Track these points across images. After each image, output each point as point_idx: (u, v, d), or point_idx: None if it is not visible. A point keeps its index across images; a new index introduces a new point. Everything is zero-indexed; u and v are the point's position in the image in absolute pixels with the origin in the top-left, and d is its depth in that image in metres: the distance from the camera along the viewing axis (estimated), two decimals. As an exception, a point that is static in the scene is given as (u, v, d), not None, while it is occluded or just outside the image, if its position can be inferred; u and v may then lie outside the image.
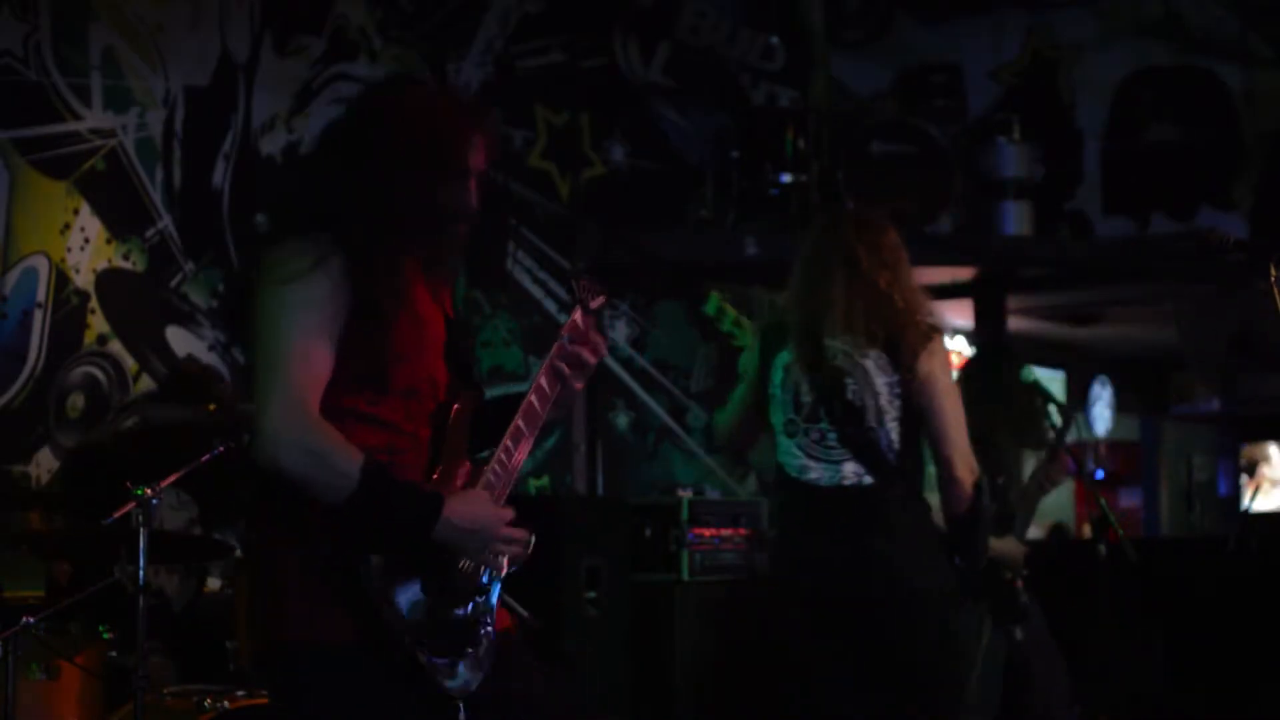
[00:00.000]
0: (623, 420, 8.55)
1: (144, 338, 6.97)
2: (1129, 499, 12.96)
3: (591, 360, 3.33)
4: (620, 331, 8.50)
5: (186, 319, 7.13)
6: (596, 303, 3.40)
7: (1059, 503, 11.77)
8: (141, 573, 4.59)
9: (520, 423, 3.26)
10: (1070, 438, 5.89)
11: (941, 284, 8.36)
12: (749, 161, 8.60)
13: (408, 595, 3.08)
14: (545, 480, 8.18)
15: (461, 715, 3.11)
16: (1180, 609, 6.89)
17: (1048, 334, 10.57)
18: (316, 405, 3.04)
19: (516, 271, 8.25)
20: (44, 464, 6.58)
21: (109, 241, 6.89)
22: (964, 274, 8.79)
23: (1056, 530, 9.98)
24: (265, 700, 4.77)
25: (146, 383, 6.88)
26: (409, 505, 3.07)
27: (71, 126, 6.80)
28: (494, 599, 3.25)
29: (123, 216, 6.94)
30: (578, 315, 3.36)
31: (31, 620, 4.62)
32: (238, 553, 5.62)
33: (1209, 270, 8.28)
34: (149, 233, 7.03)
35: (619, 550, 6.80)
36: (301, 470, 3.02)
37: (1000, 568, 5.41)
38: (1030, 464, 5.92)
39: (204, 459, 5.08)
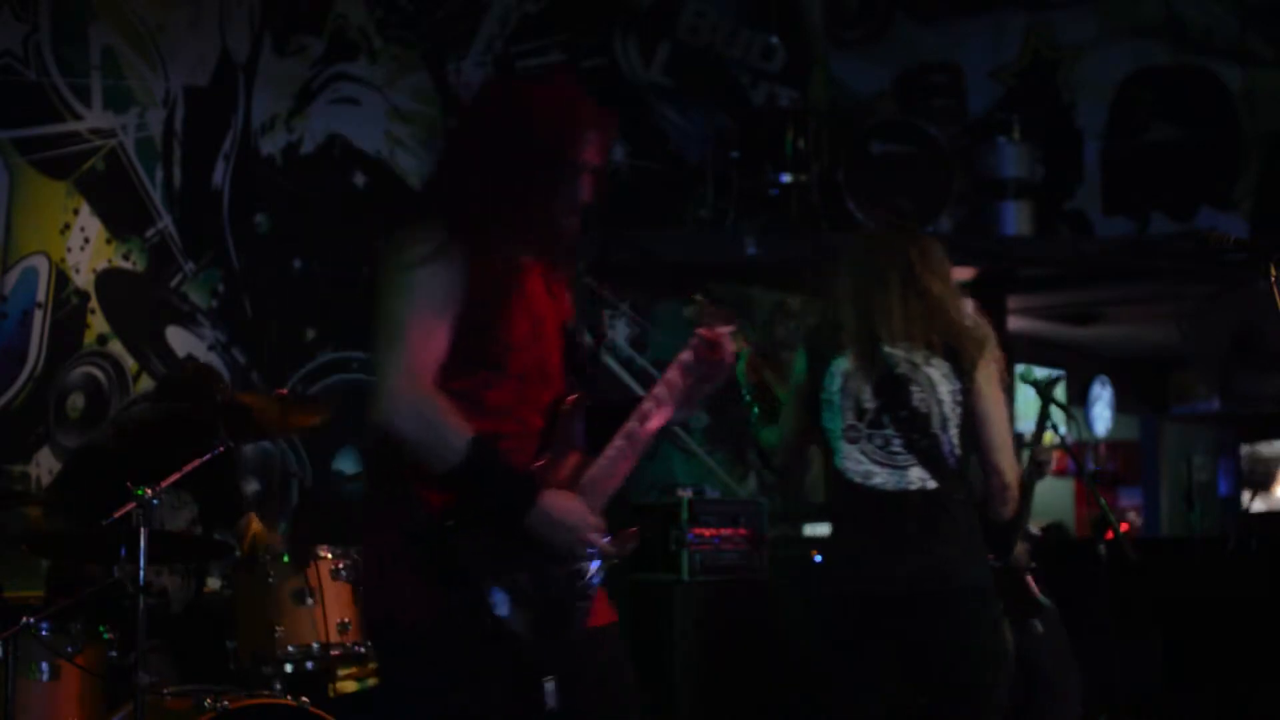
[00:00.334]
0: (623, 420, 8.54)
1: (144, 338, 6.97)
2: (1129, 499, 12.97)
3: (718, 356, 3.44)
4: (620, 331, 8.50)
5: (186, 319, 7.13)
6: (724, 329, 3.48)
7: (1059, 502, 11.78)
8: (142, 573, 4.60)
9: (634, 424, 3.36)
10: (1070, 438, 5.89)
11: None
12: (749, 161, 8.60)
13: (503, 571, 3.16)
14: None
15: (550, 688, 3.19)
16: (1180, 609, 6.89)
17: (1048, 334, 10.58)
18: (432, 379, 3.16)
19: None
20: (44, 464, 6.58)
21: (109, 241, 6.90)
22: (964, 274, 8.78)
23: (1055, 529, 9.98)
24: (265, 700, 4.79)
25: (146, 383, 6.89)
26: (507, 486, 3.17)
27: (71, 126, 6.81)
28: (592, 585, 3.31)
29: (123, 216, 6.95)
30: (703, 332, 3.47)
31: (31, 620, 4.62)
32: (238, 552, 5.63)
33: (1209, 270, 8.28)
34: (149, 233, 7.04)
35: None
36: (414, 433, 3.14)
37: (1012, 564, 5.43)
38: (1025, 461, 5.92)
39: (204, 459, 5.08)
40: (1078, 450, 6.06)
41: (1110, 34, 9.29)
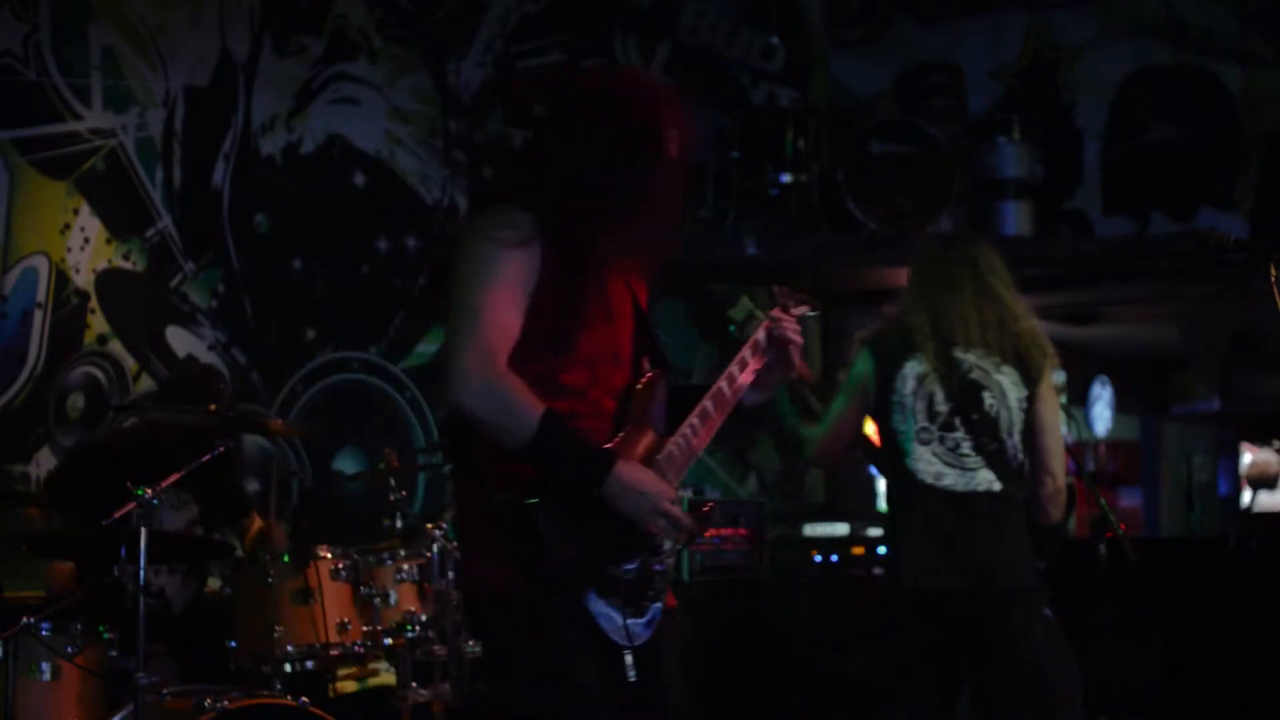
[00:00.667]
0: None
1: (144, 338, 6.97)
2: (1129, 499, 12.95)
3: (792, 338, 3.51)
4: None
5: (186, 319, 7.13)
6: (799, 310, 3.59)
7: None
8: (142, 573, 4.60)
9: (709, 404, 3.42)
10: (1070, 438, 5.89)
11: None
12: (749, 161, 8.60)
13: (580, 545, 3.19)
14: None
15: (629, 661, 3.24)
16: (1180, 609, 6.89)
17: (1048, 334, 10.56)
18: (504, 359, 3.18)
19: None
20: (44, 464, 6.58)
21: (109, 241, 6.90)
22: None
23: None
24: (265, 700, 4.79)
25: (146, 383, 6.89)
26: (581, 457, 3.19)
27: (71, 126, 6.81)
28: (665, 563, 3.34)
29: (123, 216, 6.94)
30: (777, 313, 3.56)
31: (31, 620, 4.62)
32: (238, 552, 5.63)
33: (1209, 270, 8.28)
34: (149, 233, 7.04)
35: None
36: (485, 412, 3.15)
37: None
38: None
39: (204, 459, 5.08)
40: (1078, 450, 6.06)
41: (1110, 34, 9.29)
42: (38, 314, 6.65)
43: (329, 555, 5.27)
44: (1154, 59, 9.20)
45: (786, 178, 8.55)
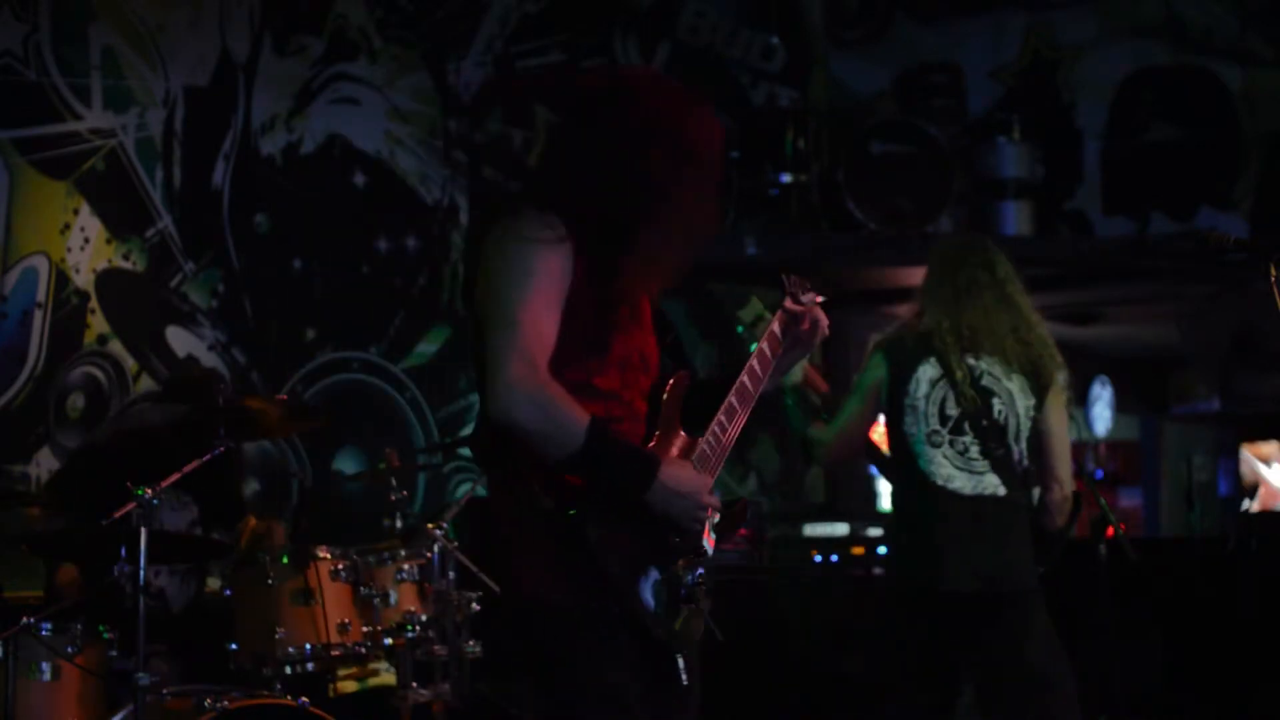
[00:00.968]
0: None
1: (144, 338, 6.97)
2: (1129, 499, 12.95)
3: (805, 326, 3.55)
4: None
5: (186, 319, 7.13)
6: (807, 297, 3.60)
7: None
8: (142, 573, 4.60)
9: (734, 400, 3.43)
10: (1071, 439, 5.89)
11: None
12: (749, 161, 8.60)
13: (627, 550, 3.19)
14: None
15: (681, 664, 3.25)
16: (1180, 609, 6.88)
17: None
18: (545, 368, 3.15)
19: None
20: (44, 464, 6.58)
21: (109, 241, 6.90)
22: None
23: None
24: (265, 701, 4.78)
25: (146, 383, 6.89)
26: (628, 464, 3.18)
27: (71, 126, 6.81)
28: (706, 564, 3.34)
29: (123, 216, 6.95)
30: (788, 303, 3.57)
31: (31, 620, 4.62)
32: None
33: (1209, 270, 8.28)
34: (149, 233, 7.04)
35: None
36: (534, 423, 3.12)
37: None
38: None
39: (204, 459, 5.08)
40: (1078, 450, 6.06)
41: (1110, 34, 9.29)
42: (38, 314, 6.65)
43: (329, 555, 5.26)
44: (1154, 59, 9.20)
45: (786, 178, 8.55)
